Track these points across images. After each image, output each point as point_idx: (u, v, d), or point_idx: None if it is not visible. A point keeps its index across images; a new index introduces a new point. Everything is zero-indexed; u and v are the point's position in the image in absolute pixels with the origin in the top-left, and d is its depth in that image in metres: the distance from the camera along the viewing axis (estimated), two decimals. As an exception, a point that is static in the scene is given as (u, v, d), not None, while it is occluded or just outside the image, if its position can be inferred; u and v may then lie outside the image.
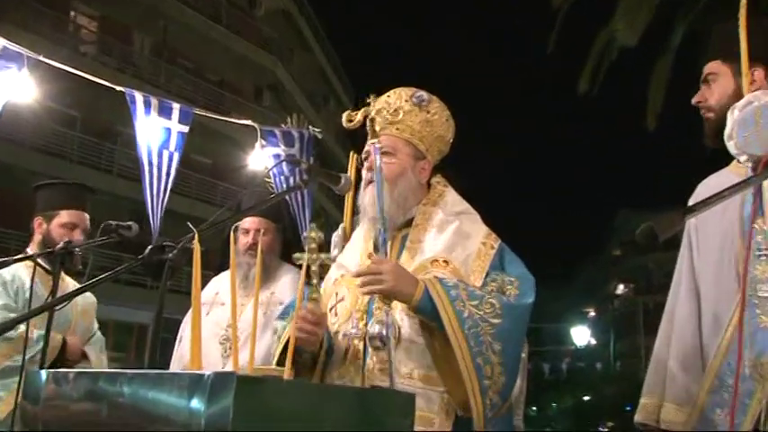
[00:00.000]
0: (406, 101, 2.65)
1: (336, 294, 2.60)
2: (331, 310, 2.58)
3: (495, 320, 2.29)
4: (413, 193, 2.62)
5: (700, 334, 2.43)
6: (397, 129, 2.62)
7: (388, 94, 2.72)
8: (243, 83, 26.54)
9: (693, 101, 2.53)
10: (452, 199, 2.70)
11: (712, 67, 2.51)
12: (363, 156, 2.72)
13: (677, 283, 2.58)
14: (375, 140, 2.52)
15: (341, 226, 3.17)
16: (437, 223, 2.59)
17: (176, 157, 3.11)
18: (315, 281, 2.39)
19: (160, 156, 3.14)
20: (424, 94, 2.70)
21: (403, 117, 2.63)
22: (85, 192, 3.77)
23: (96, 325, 3.86)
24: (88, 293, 3.76)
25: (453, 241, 2.53)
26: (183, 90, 22.31)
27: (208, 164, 23.45)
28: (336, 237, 3.17)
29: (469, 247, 2.53)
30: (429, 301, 2.28)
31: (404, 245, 2.56)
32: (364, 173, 2.68)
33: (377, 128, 2.70)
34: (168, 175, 3.15)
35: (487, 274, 2.47)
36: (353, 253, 2.72)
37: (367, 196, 2.61)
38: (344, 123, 2.71)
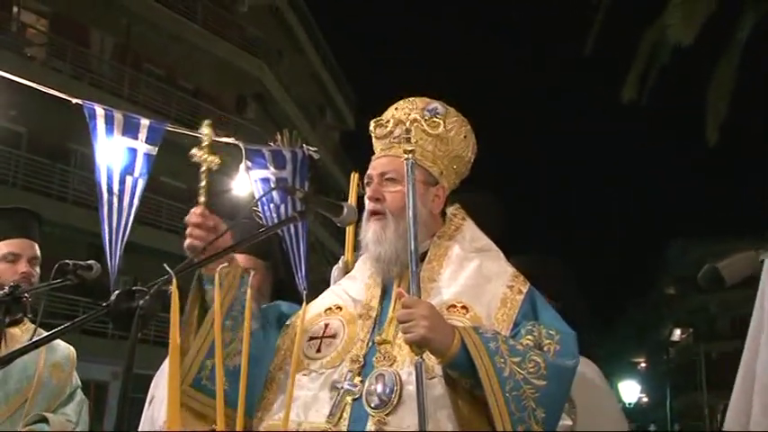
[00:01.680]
0: (416, 114, 2.64)
1: (327, 326, 2.57)
2: (311, 340, 2.55)
3: (540, 382, 2.26)
4: (424, 226, 2.58)
5: None
6: (404, 149, 2.56)
7: (395, 105, 2.72)
8: (223, 92, 26.74)
9: None
10: (471, 233, 2.70)
11: None
12: (366, 181, 2.70)
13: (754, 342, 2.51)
14: (408, 156, 2.49)
15: (342, 258, 3.16)
16: (455, 260, 2.59)
17: (141, 184, 3.08)
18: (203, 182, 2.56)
19: (122, 182, 3.10)
20: (438, 105, 2.69)
21: (412, 134, 2.60)
22: (28, 217, 3.71)
23: (76, 382, 3.74)
24: (59, 342, 3.69)
25: (474, 283, 2.53)
26: (151, 101, 22.48)
27: (182, 189, 23.49)
28: (336, 270, 3.15)
29: (492, 291, 2.52)
30: (465, 354, 2.24)
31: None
32: (367, 203, 2.66)
33: (379, 148, 2.70)
34: (131, 205, 3.11)
35: (516, 324, 2.45)
36: (357, 286, 2.70)
37: (370, 231, 2.60)
38: (372, 130, 2.70)
